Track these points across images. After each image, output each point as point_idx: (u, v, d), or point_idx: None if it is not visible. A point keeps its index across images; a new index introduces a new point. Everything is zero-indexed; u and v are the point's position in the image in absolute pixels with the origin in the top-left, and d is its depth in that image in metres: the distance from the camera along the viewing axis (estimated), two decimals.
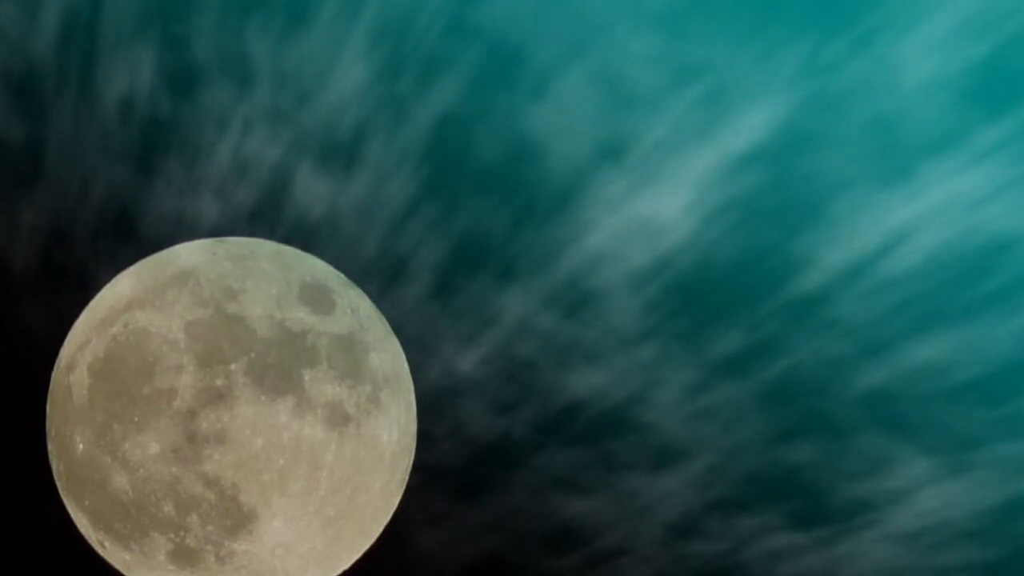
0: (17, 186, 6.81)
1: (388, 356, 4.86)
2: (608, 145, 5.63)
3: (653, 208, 5.88)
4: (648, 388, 6.98)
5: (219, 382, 4.25)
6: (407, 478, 5.11)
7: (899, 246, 5.68)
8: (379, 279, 6.79)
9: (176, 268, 4.62)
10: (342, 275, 5.04)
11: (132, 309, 4.48)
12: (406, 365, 5.08)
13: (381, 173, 6.15)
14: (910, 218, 5.52)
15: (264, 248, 4.86)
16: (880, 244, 5.70)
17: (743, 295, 6.23)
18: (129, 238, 7.00)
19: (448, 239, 6.44)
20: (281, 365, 4.33)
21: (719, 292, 6.28)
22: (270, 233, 6.66)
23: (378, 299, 6.91)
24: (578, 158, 5.73)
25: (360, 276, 6.80)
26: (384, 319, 5.07)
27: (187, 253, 4.76)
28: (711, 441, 7.14)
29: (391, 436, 4.74)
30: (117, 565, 4.81)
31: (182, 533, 4.40)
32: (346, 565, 5.03)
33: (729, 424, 7.02)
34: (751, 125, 5.36)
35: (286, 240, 6.46)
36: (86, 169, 6.60)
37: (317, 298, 4.63)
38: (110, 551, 4.73)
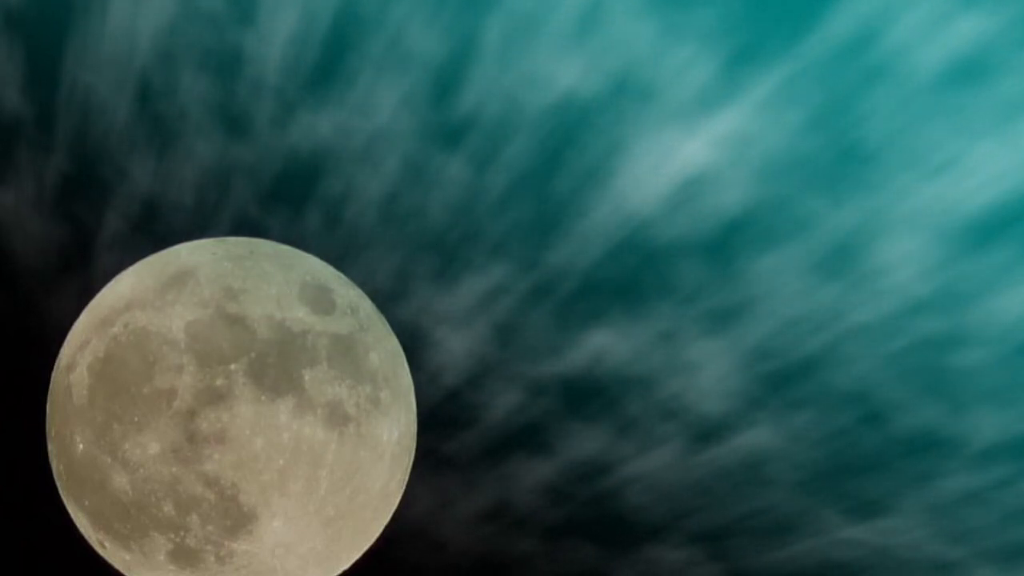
0: (24, 159, 6.58)
1: (388, 356, 4.86)
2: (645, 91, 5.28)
3: (692, 162, 5.49)
4: (686, 362, 6.64)
5: (219, 382, 4.25)
6: (407, 478, 5.11)
7: (958, 205, 5.29)
8: (394, 242, 6.49)
9: (176, 268, 4.62)
10: (342, 275, 5.04)
11: (132, 309, 4.48)
12: (406, 365, 5.08)
13: (401, 122, 5.89)
14: (968, 174, 5.15)
15: (264, 248, 4.86)
16: (938, 200, 5.31)
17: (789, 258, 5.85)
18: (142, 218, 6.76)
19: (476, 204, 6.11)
20: (281, 365, 4.33)
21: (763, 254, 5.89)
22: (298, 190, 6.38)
23: (397, 264, 6.65)
24: (612, 104, 5.38)
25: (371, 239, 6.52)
26: (384, 319, 5.07)
27: (187, 253, 4.76)
28: (752, 417, 6.81)
29: (391, 436, 4.74)
30: (117, 565, 4.81)
31: (182, 533, 4.40)
32: (346, 565, 5.04)
33: (776, 398, 6.64)
34: (796, 72, 5.02)
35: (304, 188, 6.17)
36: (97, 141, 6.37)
37: (317, 298, 4.63)
38: (110, 551, 4.73)
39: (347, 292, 4.87)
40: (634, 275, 6.20)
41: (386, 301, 6.77)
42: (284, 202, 6.38)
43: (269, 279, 4.58)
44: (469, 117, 5.64)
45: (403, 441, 4.87)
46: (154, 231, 6.72)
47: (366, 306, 4.94)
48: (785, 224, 5.66)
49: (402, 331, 6.93)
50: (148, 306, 4.45)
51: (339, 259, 6.62)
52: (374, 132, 5.83)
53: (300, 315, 4.49)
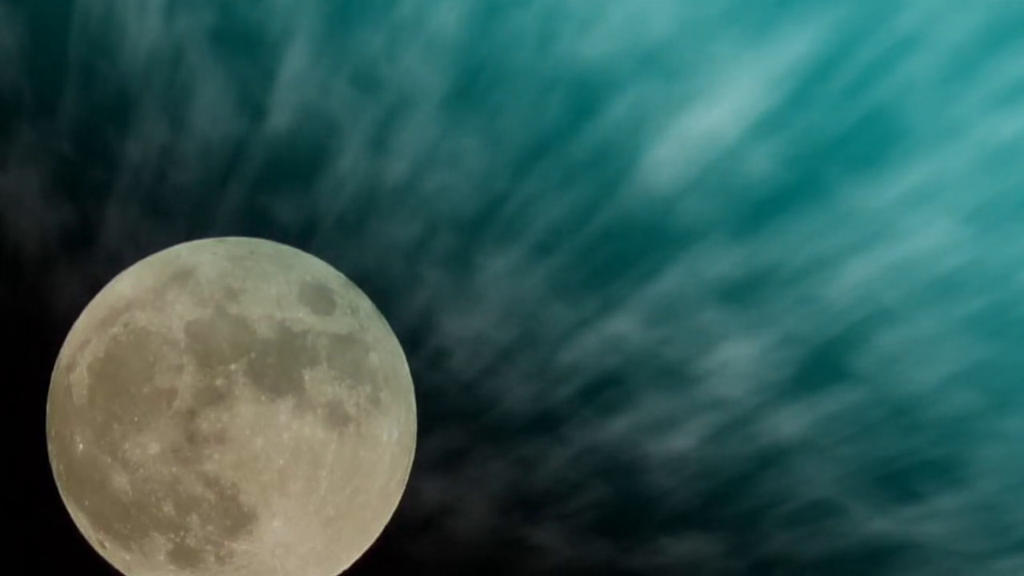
0: (26, 141, 6.35)
1: (388, 356, 4.86)
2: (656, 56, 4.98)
3: (718, 137, 5.20)
4: (706, 346, 6.37)
5: (219, 382, 4.25)
6: (407, 478, 5.11)
7: (993, 170, 4.97)
8: (408, 221, 6.24)
9: (176, 268, 4.62)
10: (342, 275, 5.04)
11: (132, 309, 4.48)
12: (406, 365, 5.08)
13: (410, 102, 5.62)
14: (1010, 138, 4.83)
15: (264, 248, 4.86)
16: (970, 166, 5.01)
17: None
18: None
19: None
20: (281, 365, 4.33)
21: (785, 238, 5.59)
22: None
23: (406, 248, 6.40)
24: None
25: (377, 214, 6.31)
26: (384, 319, 5.07)
27: (187, 253, 4.76)
28: (779, 404, 6.53)
29: (391, 436, 4.74)
30: (117, 565, 4.81)
31: (182, 533, 4.40)
32: (346, 565, 5.03)
33: (804, 384, 6.35)
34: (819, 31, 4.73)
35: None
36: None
37: (317, 298, 4.63)
38: (110, 551, 4.73)
39: (347, 292, 4.87)
40: (656, 256, 5.98)
41: (399, 284, 6.57)
42: (294, 181, 6.21)
43: (269, 279, 4.58)
44: (487, 91, 5.47)
45: (403, 441, 4.87)
46: (161, 211, 6.55)
47: (366, 306, 4.94)
48: (815, 202, 5.43)
49: (415, 317, 6.76)
50: (148, 306, 4.45)
51: (351, 238, 6.40)
52: (389, 106, 5.67)
53: (300, 315, 4.49)
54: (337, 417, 4.44)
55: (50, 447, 4.79)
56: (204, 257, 4.68)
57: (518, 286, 6.43)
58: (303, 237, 6.42)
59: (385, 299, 6.57)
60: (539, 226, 6.05)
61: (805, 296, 5.94)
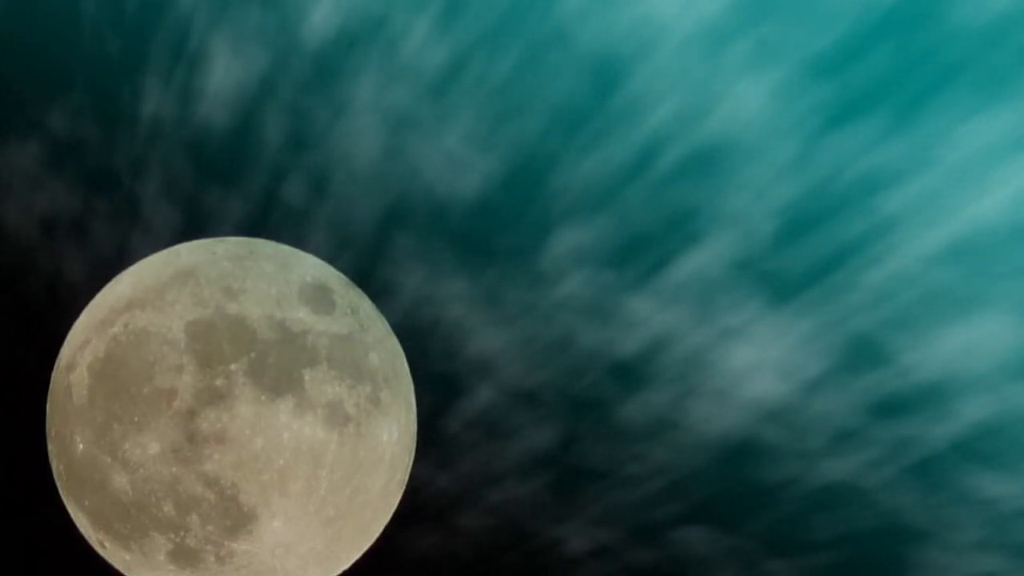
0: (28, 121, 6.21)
1: (388, 356, 4.86)
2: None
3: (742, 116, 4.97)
4: (729, 333, 6.13)
5: (219, 382, 4.25)
6: (407, 478, 5.11)
7: None
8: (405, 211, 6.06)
9: (176, 268, 4.62)
10: (342, 275, 5.04)
11: (132, 309, 4.48)
12: (406, 365, 5.08)
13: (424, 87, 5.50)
14: None
15: (264, 248, 4.86)
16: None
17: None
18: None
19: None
20: (281, 365, 4.33)
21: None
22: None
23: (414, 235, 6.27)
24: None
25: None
26: (384, 319, 5.07)
27: (187, 253, 4.76)
28: (813, 395, 6.26)
29: (391, 436, 4.74)
30: (117, 565, 4.81)
31: (182, 533, 4.40)
32: (346, 565, 5.04)
33: (840, 375, 6.06)
34: None
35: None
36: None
37: (317, 298, 4.63)
38: (110, 551, 4.73)
39: (347, 292, 4.87)
40: (681, 239, 5.76)
41: (411, 272, 6.43)
42: (307, 161, 6.09)
43: (269, 279, 4.58)
44: (501, 74, 5.34)
45: (403, 441, 4.87)
46: (173, 194, 6.40)
47: (366, 306, 4.94)
48: (850, 180, 5.16)
49: (425, 299, 6.60)
50: (148, 306, 4.45)
51: (363, 212, 6.23)
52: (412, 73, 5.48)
53: (300, 315, 4.49)
54: (337, 417, 4.44)
55: (50, 447, 4.79)
56: (204, 257, 4.68)
57: (538, 263, 6.27)
58: (314, 211, 6.27)
59: (397, 278, 6.41)
60: (569, 195, 5.88)
61: (843, 279, 5.69)
